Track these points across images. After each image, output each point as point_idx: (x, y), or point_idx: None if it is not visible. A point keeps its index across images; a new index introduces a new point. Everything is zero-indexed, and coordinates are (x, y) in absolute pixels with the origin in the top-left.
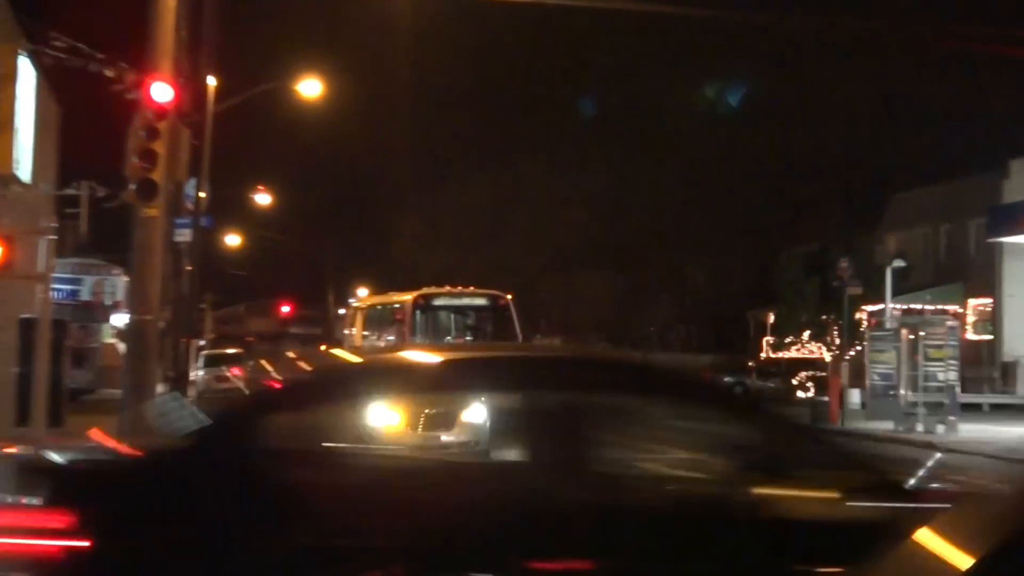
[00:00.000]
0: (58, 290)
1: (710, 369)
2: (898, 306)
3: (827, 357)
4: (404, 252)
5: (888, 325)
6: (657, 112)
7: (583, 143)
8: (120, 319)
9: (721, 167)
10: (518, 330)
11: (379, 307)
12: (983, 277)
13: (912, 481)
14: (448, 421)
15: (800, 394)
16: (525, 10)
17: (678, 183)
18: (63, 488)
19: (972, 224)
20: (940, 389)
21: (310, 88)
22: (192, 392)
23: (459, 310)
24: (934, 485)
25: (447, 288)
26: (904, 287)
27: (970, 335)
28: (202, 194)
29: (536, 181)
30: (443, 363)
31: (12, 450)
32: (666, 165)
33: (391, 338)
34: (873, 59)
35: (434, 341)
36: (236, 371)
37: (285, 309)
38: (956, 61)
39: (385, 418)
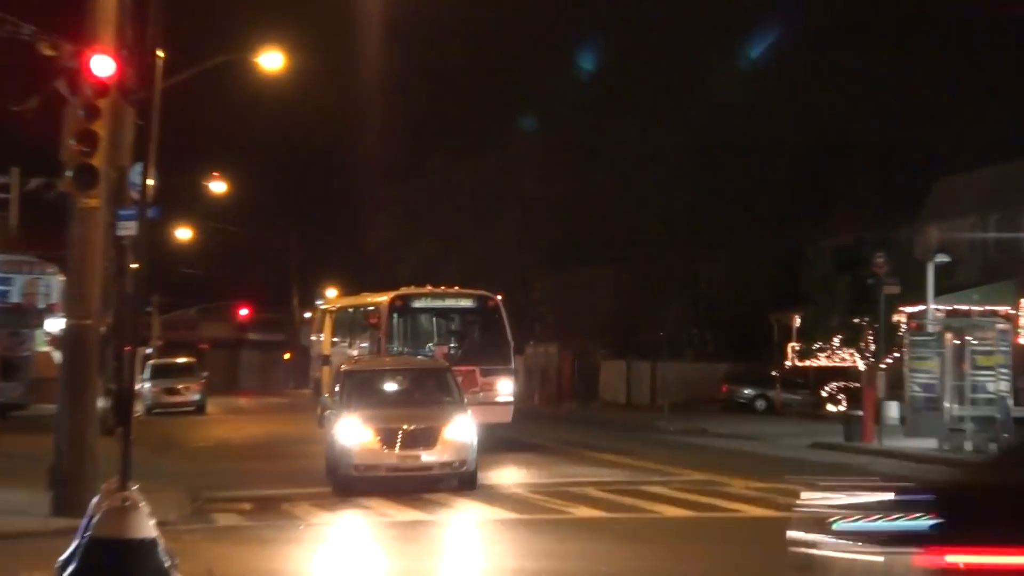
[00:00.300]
0: None
1: (728, 379)
2: (942, 307)
3: (861, 365)
4: (379, 248)
5: (930, 328)
6: (669, 84)
7: (582, 122)
8: (56, 324)
9: (741, 149)
10: (509, 335)
11: (351, 310)
12: None
13: None
14: (429, 439)
15: (830, 408)
16: None
17: (692, 167)
18: None
19: None
20: (990, 402)
21: (271, 61)
22: (138, 408)
23: (442, 313)
24: None
25: (428, 288)
26: (948, 285)
27: None
28: (149, 181)
29: (529, 166)
30: None
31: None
32: (678, 146)
33: (365, 345)
34: (915, 26)
35: (414, 348)
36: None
37: (243, 312)
38: (1008, 28)
39: (356, 435)
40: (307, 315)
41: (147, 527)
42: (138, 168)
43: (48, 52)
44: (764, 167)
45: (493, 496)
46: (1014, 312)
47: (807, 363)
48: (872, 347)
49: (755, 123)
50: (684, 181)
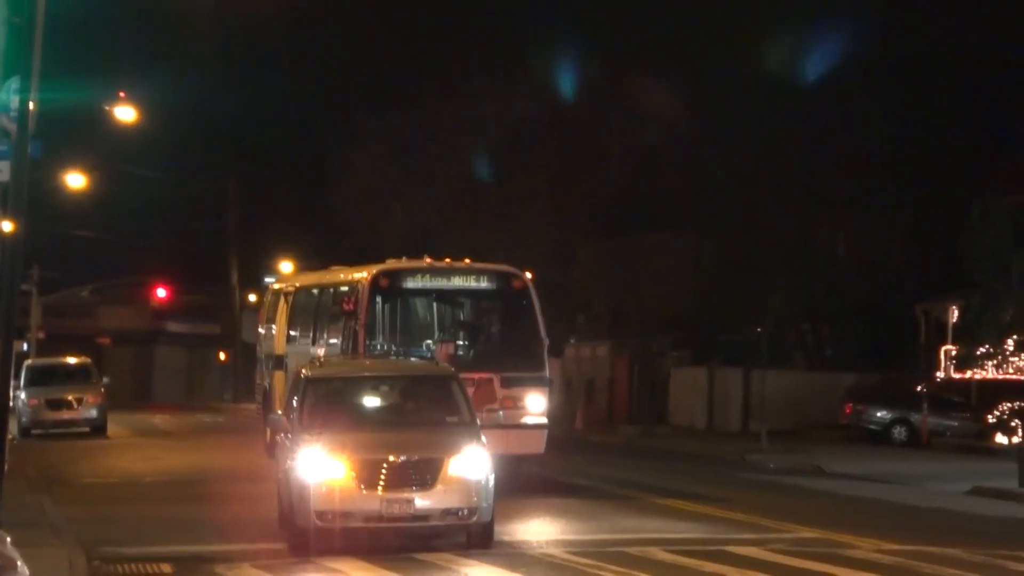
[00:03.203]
0: None
1: (854, 397)
2: None
3: None
4: (355, 204)
5: None
6: None
7: (655, 32)
8: None
9: (875, 69)
10: (542, 329)
11: (315, 291)
12: None
13: None
14: (426, 476)
15: (1001, 439)
16: None
17: (807, 98)
18: None
19: None
20: None
21: None
22: (11, 428)
23: (447, 296)
24: None
25: (427, 261)
26: None
27: None
28: (30, 105)
29: (573, 92)
30: None
31: None
32: (785, 68)
33: (335, 342)
34: None
35: (406, 346)
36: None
37: (160, 294)
38: None
39: (323, 470)
40: (252, 298)
41: None
42: (12, 84)
43: None
44: (908, 95)
45: (516, 559)
46: None
47: (968, 375)
48: None
49: (895, 34)
50: (794, 118)
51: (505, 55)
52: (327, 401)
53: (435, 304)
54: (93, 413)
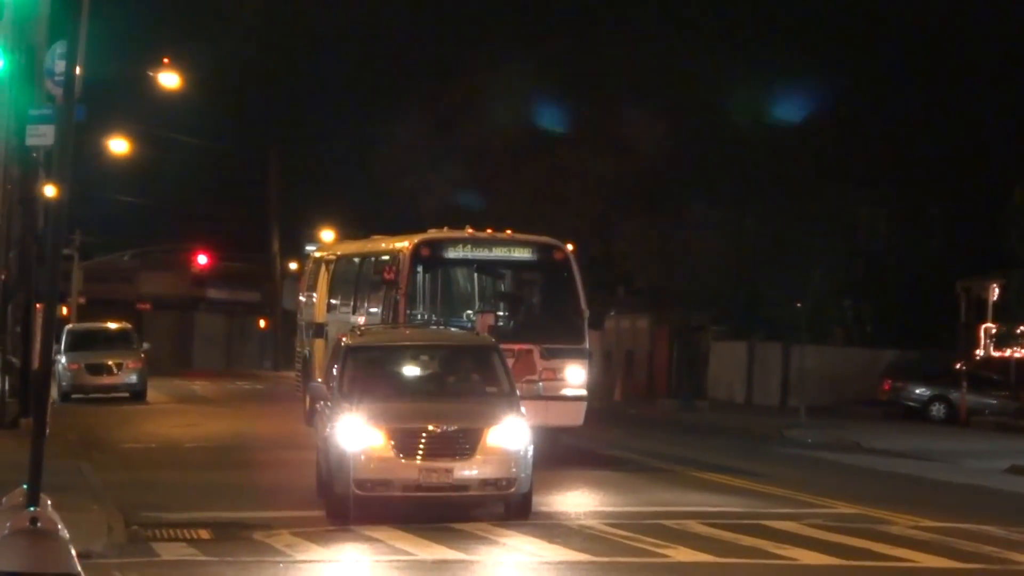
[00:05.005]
0: None
1: (893, 373)
2: None
3: None
4: (395, 174)
5: None
6: None
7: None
8: None
9: (920, 42)
10: (583, 301)
11: (356, 260)
12: None
13: None
14: (465, 446)
15: None
16: None
17: (846, 67)
18: None
19: None
20: None
21: None
22: (54, 392)
23: (488, 267)
24: None
25: (469, 231)
26: None
27: None
28: (76, 69)
29: (615, 62)
30: None
31: None
32: (825, 38)
33: (375, 311)
34: None
35: (446, 316)
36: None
37: (201, 260)
38: None
39: (361, 438)
40: (292, 266)
41: (66, 560)
42: (57, 49)
43: None
44: (953, 67)
45: (554, 529)
46: None
47: (1008, 353)
48: None
49: (939, 13)
50: (835, 93)
51: (545, 27)
52: (367, 370)
53: (476, 274)
54: (133, 379)
